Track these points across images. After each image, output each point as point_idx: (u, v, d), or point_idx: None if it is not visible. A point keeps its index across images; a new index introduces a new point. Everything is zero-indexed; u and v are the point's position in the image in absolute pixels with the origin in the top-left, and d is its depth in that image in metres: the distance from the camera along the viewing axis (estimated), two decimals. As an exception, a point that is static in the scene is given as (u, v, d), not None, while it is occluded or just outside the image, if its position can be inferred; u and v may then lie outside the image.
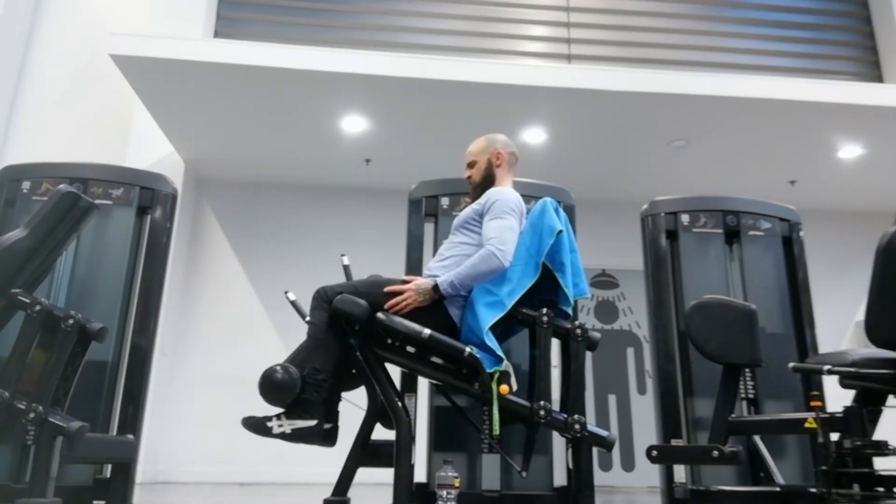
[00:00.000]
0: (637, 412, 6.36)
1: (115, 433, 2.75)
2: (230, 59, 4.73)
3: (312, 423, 2.26)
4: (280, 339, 6.07)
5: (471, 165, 2.70)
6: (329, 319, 2.34)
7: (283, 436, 2.28)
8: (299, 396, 2.27)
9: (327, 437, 2.37)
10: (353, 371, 2.57)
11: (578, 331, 2.38)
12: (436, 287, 2.35)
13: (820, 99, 5.09)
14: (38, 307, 2.27)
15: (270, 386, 2.25)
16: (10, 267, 2.20)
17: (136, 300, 2.92)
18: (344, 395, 2.62)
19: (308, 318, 2.41)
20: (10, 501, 2.47)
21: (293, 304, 2.75)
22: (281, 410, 2.29)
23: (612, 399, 6.40)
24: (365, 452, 2.50)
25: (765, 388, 2.95)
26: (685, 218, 3.21)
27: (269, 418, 2.29)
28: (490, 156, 2.66)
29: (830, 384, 2.47)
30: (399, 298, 2.35)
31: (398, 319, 2.30)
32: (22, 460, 2.61)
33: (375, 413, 2.54)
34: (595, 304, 6.68)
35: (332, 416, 2.40)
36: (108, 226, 2.99)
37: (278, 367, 2.27)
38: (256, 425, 2.31)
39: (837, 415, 2.12)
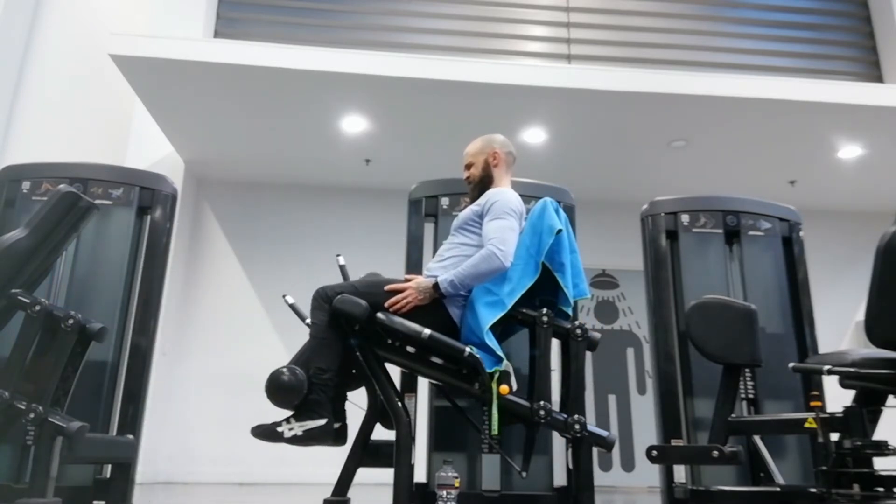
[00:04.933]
0: (637, 412, 6.36)
1: (115, 433, 2.75)
2: (230, 59, 4.73)
3: (322, 422, 2.25)
4: (280, 338, 6.07)
5: (468, 166, 2.70)
6: (330, 319, 2.34)
7: (294, 439, 2.26)
8: (307, 397, 2.26)
9: (338, 436, 2.36)
10: (353, 371, 2.57)
11: (578, 331, 2.38)
12: (436, 286, 2.35)
13: (820, 99, 5.09)
14: (38, 307, 2.27)
15: (278, 388, 2.24)
16: (10, 267, 2.20)
17: (136, 300, 2.92)
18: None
19: (309, 319, 2.41)
20: (9, 501, 2.47)
21: (292, 307, 2.74)
22: (290, 413, 2.27)
23: (612, 399, 6.40)
24: (365, 452, 2.50)
25: (765, 388, 2.95)
26: (685, 218, 3.21)
27: (278, 424, 2.28)
28: (487, 156, 2.66)
29: (830, 384, 2.47)
30: (399, 296, 2.35)
31: (398, 319, 2.30)
32: (22, 460, 2.61)
33: (375, 413, 2.54)
34: (595, 304, 6.68)
35: (340, 414, 2.40)
36: (108, 226, 2.99)
37: (284, 370, 2.26)
38: (267, 432, 2.29)
39: (837, 415, 2.12)
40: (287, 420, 2.28)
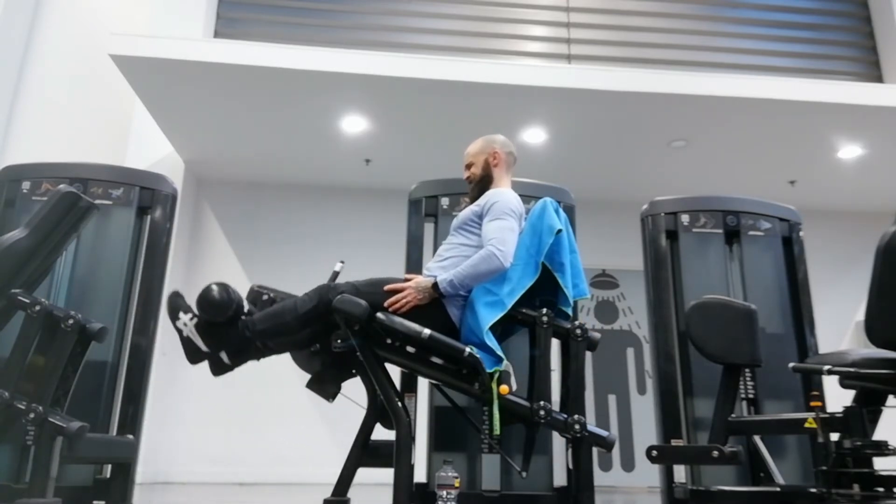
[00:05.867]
0: (637, 412, 6.36)
1: (115, 433, 2.75)
2: (230, 59, 4.73)
3: (205, 349, 2.35)
4: (280, 339, 6.06)
5: (468, 166, 2.70)
6: (308, 312, 2.34)
7: (179, 332, 2.36)
8: (224, 325, 2.33)
9: (216, 367, 2.40)
10: (353, 371, 2.57)
11: (578, 331, 2.38)
12: (435, 285, 2.35)
13: (820, 99, 5.09)
14: (38, 307, 2.27)
15: (207, 298, 2.32)
16: (10, 267, 2.20)
17: (136, 300, 2.92)
18: (343, 394, 2.62)
19: (300, 296, 2.41)
20: (10, 501, 2.47)
21: (335, 274, 2.71)
22: (199, 316, 2.35)
23: (612, 399, 6.40)
24: (365, 452, 2.50)
25: (765, 388, 2.95)
26: (685, 218, 3.21)
27: (187, 311, 2.37)
28: (487, 156, 2.66)
29: (830, 384, 2.47)
30: (399, 296, 2.35)
31: (398, 319, 2.30)
32: (22, 460, 2.61)
33: (375, 413, 2.54)
34: (595, 304, 6.68)
35: (238, 359, 2.41)
36: (108, 226, 2.99)
37: (218, 287, 2.33)
38: (174, 306, 2.39)
39: (837, 415, 2.12)
40: (193, 317, 2.36)
